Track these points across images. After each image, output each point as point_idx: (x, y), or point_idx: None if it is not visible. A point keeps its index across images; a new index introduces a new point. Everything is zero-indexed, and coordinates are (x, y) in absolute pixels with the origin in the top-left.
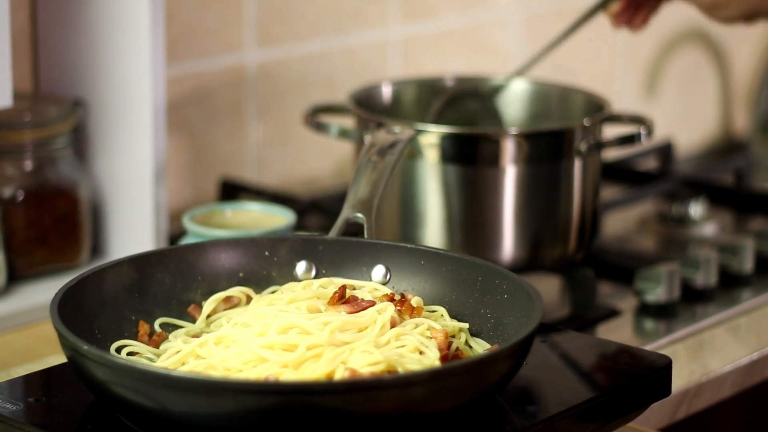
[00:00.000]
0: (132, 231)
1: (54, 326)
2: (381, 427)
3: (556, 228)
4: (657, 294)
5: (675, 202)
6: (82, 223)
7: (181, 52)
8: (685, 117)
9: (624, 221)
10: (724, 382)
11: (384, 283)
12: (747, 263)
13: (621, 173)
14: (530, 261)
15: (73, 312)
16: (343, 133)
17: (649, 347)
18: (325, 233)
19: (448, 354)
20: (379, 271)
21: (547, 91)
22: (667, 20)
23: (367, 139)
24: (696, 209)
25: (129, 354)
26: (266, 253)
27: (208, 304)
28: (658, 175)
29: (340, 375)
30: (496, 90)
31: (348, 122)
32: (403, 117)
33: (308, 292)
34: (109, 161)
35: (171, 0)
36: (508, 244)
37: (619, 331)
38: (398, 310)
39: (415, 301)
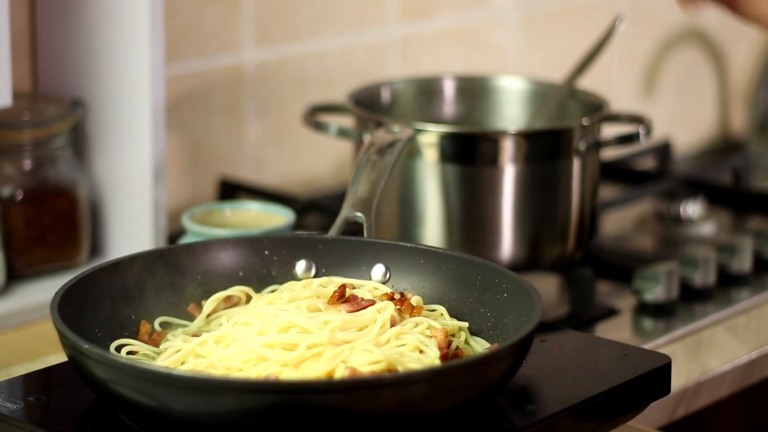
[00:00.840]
0: (131, 230)
1: (54, 325)
2: (381, 426)
3: (555, 227)
4: (655, 293)
5: (673, 202)
6: (82, 222)
7: (180, 52)
8: (683, 116)
9: (622, 220)
10: (723, 381)
11: (384, 282)
12: (745, 262)
13: (619, 173)
14: (529, 260)
15: (73, 311)
16: (343, 133)
17: (647, 346)
18: (324, 232)
19: (447, 353)
20: (378, 270)
21: (545, 90)
22: (665, 19)
23: (367, 138)
24: (694, 209)
25: (129, 353)
26: (266, 252)
27: (209, 304)
28: (656, 175)
29: (340, 374)
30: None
31: (347, 122)
32: (402, 116)
33: (308, 291)
34: (108, 160)
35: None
36: (507, 244)
37: (617, 331)
38: (398, 309)
39: (414, 300)
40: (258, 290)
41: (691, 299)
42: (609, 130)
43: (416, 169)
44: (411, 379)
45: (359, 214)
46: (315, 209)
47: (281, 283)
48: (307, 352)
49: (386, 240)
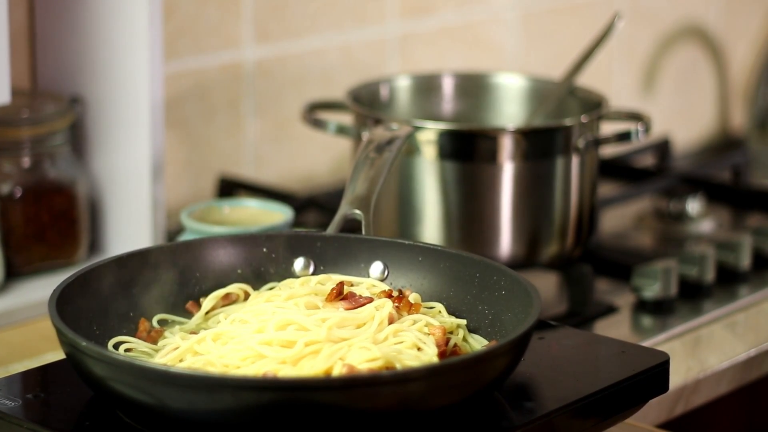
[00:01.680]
0: (130, 227)
1: (52, 323)
2: (379, 423)
3: (553, 224)
4: (654, 290)
5: (672, 199)
6: (80, 219)
7: (179, 49)
8: (682, 114)
9: (621, 218)
10: (722, 378)
11: (382, 280)
12: (744, 260)
13: (618, 170)
14: (528, 257)
15: (71, 308)
16: (341, 130)
17: (646, 344)
18: (322, 230)
19: (446, 350)
20: (377, 267)
21: (544, 87)
22: (664, 16)
23: (365, 135)
24: (693, 206)
25: (127, 350)
26: (264, 250)
27: (208, 301)
28: (655, 172)
29: (338, 371)
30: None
31: (346, 119)
32: (401, 113)
33: (306, 289)
34: (106, 158)
35: None
36: (505, 241)
37: (616, 328)
38: (396, 306)
39: (413, 297)
40: (256, 288)
41: (690, 296)
42: (608, 128)
43: (415, 167)
44: (409, 377)
45: (357, 211)
46: (313, 206)
47: (279, 280)
48: (305, 349)
49: (384, 237)
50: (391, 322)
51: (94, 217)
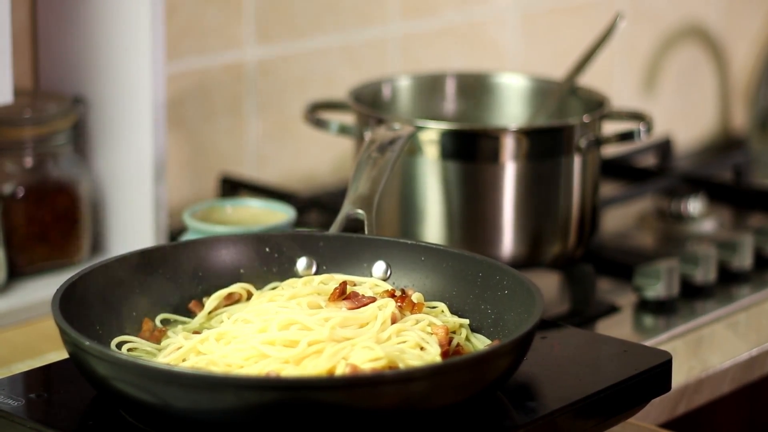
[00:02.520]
0: (132, 227)
1: (56, 322)
2: (382, 423)
3: (555, 224)
4: (656, 290)
5: (674, 199)
6: (83, 219)
7: (181, 49)
8: (683, 114)
9: (623, 218)
10: (724, 377)
11: (384, 279)
12: (746, 259)
13: (620, 170)
14: (530, 257)
15: (74, 308)
16: (343, 130)
17: (648, 343)
18: (325, 229)
19: (448, 350)
20: (379, 267)
21: (546, 87)
22: (665, 16)
23: (367, 135)
24: (695, 206)
25: (130, 350)
26: (267, 250)
27: (211, 301)
28: (657, 172)
29: (341, 371)
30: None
31: (348, 119)
32: (403, 113)
33: (309, 288)
34: (109, 158)
35: None
36: (507, 241)
37: (618, 327)
38: (399, 306)
39: (415, 297)
40: (259, 287)
41: (691, 296)
42: (610, 128)
43: (417, 166)
44: (412, 376)
45: (360, 211)
46: (316, 206)
47: (282, 280)
48: (308, 349)
49: (387, 237)
50: (393, 321)
51: (96, 217)
